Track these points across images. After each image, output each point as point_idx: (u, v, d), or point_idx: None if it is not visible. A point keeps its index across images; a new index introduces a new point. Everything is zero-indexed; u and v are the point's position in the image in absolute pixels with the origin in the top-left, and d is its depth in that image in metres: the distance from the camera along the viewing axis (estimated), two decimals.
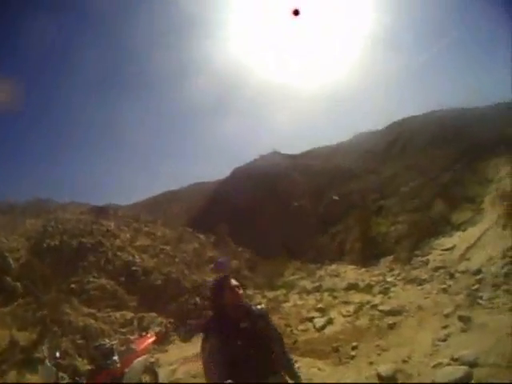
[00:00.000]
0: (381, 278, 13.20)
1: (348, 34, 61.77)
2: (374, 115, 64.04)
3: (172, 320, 9.35)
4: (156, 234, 14.42)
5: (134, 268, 11.02)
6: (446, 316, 8.04)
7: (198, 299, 10.41)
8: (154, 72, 78.44)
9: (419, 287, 10.78)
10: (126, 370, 5.74)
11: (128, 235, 13.29)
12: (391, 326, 8.81)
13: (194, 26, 72.64)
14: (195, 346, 8.92)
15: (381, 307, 10.25)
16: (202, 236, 15.73)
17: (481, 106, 20.44)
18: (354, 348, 8.31)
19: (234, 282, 2.58)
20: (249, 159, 28.27)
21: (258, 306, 2.71)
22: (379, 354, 7.65)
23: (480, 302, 7.86)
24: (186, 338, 9.05)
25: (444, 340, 7.10)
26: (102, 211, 16.76)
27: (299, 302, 12.77)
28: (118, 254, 11.60)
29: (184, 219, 21.43)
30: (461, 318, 7.49)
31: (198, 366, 7.55)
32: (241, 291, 2.58)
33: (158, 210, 24.80)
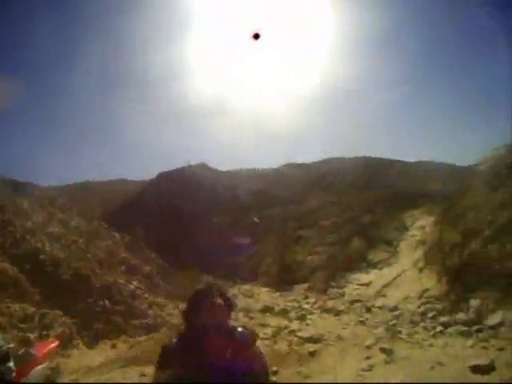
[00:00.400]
0: (296, 304, 13.22)
1: (302, 61, 65.18)
2: (308, 149, 67.92)
3: (77, 321, 7.94)
4: (70, 223, 12.55)
5: (41, 257, 9.26)
6: (368, 347, 8.12)
7: (107, 302, 9.10)
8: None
9: (336, 317, 10.94)
10: (23, 379, 4.56)
11: (41, 218, 11.30)
12: (312, 354, 8.62)
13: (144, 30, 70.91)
14: (100, 353, 7.68)
15: (299, 333, 10.09)
16: (117, 235, 14.25)
17: (408, 161, 22.87)
18: (274, 373, 7.88)
19: (217, 299, 1.94)
20: (176, 166, 27.30)
21: (239, 329, 1.99)
22: (302, 381, 7.36)
23: (400, 336, 8.13)
24: (91, 345, 7.73)
25: (368, 370, 7.10)
26: (17, 187, 14.10)
27: None
28: (27, 237, 9.68)
29: (100, 213, 19.47)
30: (383, 351, 7.62)
31: (103, 378, 6.43)
32: (225, 311, 1.94)
33: (76, 198, 22.21)
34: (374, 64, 68.78)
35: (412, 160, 22.29)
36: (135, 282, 11.31)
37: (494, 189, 9.54)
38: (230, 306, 2.00)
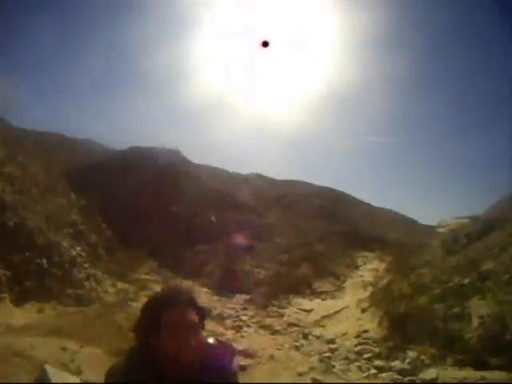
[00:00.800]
0: (233, 312, 13.06)
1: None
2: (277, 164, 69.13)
3: (9, 274, 7.22)
4: (30, 169, 11.53)
5: None
6: (300, 375, 8.09)
7: (45, 262, 8.41)
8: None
9: (272, 336, 10.87)
10: None
11: (1, 156, 10.26)
12: (242, 368, 8.42)
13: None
14: (25, 315, 7.04)
15: (233, 344, 9.88)
16: (72, 195, 13.36)
17: (373, 205, 23.67)
18: None
19: (189, 310, 1.30)
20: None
21: (210, 340, 1.42)
22: None
23: (334, 371, 8.17)
24: (18, 303, 7.06)
25: None
26: None
27: None
28: None
29: (63, 169, 18.27)
30: (315, 381, 7.62)
31: (23, 342, 5.87)
32: (197, 328, 1.31)
33: (43, 148, 20.74)
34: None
35: (377, 204, 23.33)
36: (78, 249, 10.61)
37: (450, 252, 10.02)
38: (202, 318, 1.37)
